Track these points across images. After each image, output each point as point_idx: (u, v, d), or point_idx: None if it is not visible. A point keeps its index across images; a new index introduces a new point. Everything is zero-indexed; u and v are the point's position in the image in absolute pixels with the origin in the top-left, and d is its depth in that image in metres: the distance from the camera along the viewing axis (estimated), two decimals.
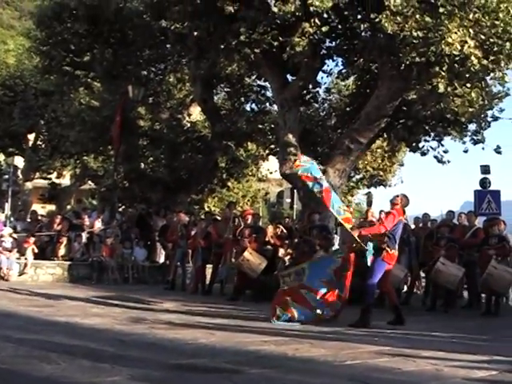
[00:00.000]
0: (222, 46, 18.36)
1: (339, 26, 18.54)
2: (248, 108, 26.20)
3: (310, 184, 12.64)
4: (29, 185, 38.35)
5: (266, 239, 17.99)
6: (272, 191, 41.53)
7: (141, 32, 22.66)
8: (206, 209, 30.58)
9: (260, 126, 25.42)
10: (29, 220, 24.00)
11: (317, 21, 17.13)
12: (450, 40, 14.69)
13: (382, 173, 33.07)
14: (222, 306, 15.09)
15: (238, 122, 25.14)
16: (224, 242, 18.38)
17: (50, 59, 24.34)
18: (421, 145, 22.78)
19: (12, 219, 25.63)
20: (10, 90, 33.14)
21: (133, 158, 27.01)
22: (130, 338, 9.55)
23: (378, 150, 30.71)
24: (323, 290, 12.45)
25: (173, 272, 19.72)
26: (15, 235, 20.36)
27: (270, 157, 28.59)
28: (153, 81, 26.92)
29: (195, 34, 18.44)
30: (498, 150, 20.74)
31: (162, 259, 22.89)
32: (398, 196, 12.91)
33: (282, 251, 17.72)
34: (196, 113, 28.43)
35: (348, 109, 22.77)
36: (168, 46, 22.67)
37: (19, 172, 37.34)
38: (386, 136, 22.43)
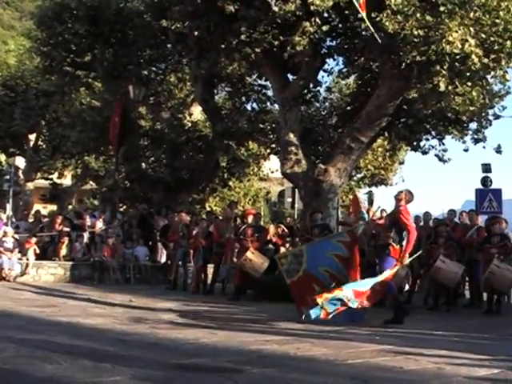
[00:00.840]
0: (223, 46, 18.36)
1: (340, 25, 18.56)
2: (249, 107, 26.22)
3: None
4: (30, 185, 38.34)
5: (268, 238, 17.99)
6: (273, 190, 41.49)
7: (141, 32, 22.65)
8: (208, 208, 30.55)
9: (261, 126, 25.41)
10: (31, 220, 24.01)
11: (317, 20, 17.15)
12: (450, 39, 14.69)
13: (383, 172, 33.11)
14: (224, 305, 15.09)
15: (239, 122, 25.13)
16: (225, 242, 18.36)
17: (50, 59, 24.34)
18: (422, 143, 22.80)
19: (14, 219, 25.60)
20: (11, 91, 33.15)
21: (134, 158, 27.01)
22: (132, 338, 9.55)
23: (379, 149, 30.74)
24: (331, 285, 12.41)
25: (174, 272, 19.72)
26: (17, 236, 20.36)
27: (272, 156, 28.58)
28: (154, 81, 26.94)
29: (196, 33, 18.44)
30: (498, 150, 20.75)
31: (163, 259, 22.89)
32: (402, 191, 12.89)
33: (283, 250, 17.70)
34: (197, 112, 28.42)
35: (349, 108, 22.77)
36: (169, 45, 22.66)
37: (20, 172, 37.21)
38: (386, 135, 22.42)
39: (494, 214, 19.36)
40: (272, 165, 29.99)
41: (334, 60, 20.93)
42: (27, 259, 19.73)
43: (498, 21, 15.04)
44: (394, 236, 12.30)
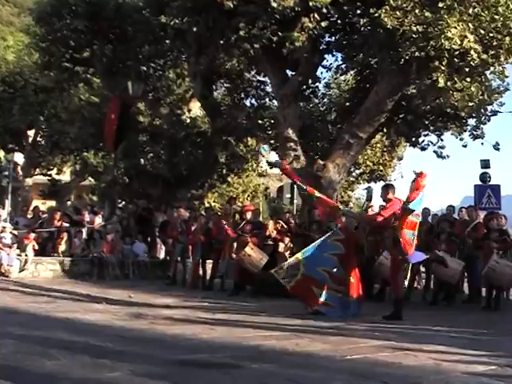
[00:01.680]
0: (222, 42, 18.35)
1: (339, 21, 18.56)
2: (248, 103, 26.18)
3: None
4: (29, 181, 38.34)
5: (267, 234, 17.99)
6: (272, 186, 41.54)
7: (140, 28, 22.63)
8: (207, 204, 30.56)
9: (260, 122, 25.39)
10: (30, 216, 24.01)
11: (316, 16, 17.15)
12: (449, 34, 14.68)
13: (381, 167, 33.13)
14: (223, 301, 15.10)
15: (237, 118, 25.09)
16: (224, 238, 18.36)
17: (49, 55, 24.33)
18: (420, 139, 22.81)
19: (13, 215, 25.59)
20: (10, 87, 33.11)
21: (133, 154, 27.03)
22: (131, 334, 9.56)
23: (378, 145, 30.77)
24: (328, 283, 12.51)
25: (173, 267, 19.74)
26: (15, 232, 20.36)
27: (271, 152, 28.58)
28: (152, 76, 26.90)
29: (195, 29, 18.41)
30: (496, 147, 20.75)
31: (162, 255, 22.90)
32: (385, 189, 13.14)
33: (282, 246, 17.69)
34: (196, 108, 28.40)
35: (348, 104, 22.78)
36: (167, 41, 22.61)
37: (19, 168, 37.31)
38: (385, 131, 22.44)
39: (492, 210, 19.38)
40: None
41: (333, 56, 20.95)
42: (26, 255, 19.73)
43: (496, 17, 15.04)
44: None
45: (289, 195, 33.61)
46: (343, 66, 21.25)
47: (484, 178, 22.70)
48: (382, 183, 33.10)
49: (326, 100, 26.23)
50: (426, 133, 22.41)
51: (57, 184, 38.62)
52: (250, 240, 16.96)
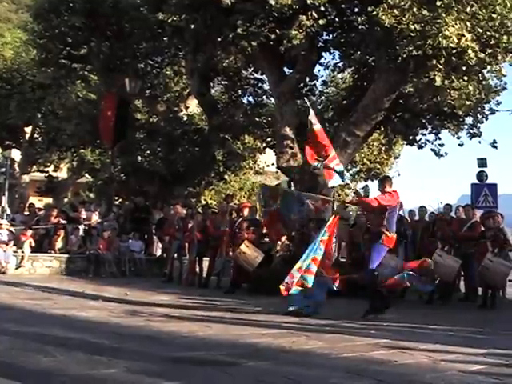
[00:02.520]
0: (219, 39, 18.35)
1: (336, 19, 18.54)
2: (245, 101, 26.18)
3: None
4: (26, 178, 38.30)
5: (264, 231, 18.00)
6: (269, 184, 41.50)
7: (138, 25, 22.63)
8: (203, 202, 30.56)
9: (257, 119, 25.40)
10: (26, 213, 23.99)
11: (314, 14, 17.14)
12: (447, 33, 14.68)
13: (378, 166, 33.11)
14: (219, 298, 15.10)
15: (235, 115, 25.10)
16: (220, 235, 18.35)
17: (46, 52, 24.32)
18: (418, 138, 22.80)
19: (9, 212, 25.56)
20: (7, 83, 33.02)
21: (130, 151, 27.03)
22: (127, 331, 9.57)
23: (375, 143, 30.75)
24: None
25: (170, 265, 19.75)
26: (12, 228, 20.35)
27: (267, 150, 28.57)
28: (150, 74, 26.90)
29: (192, 26, 18.40)
30: (494, 145, 20.75)
31: (158, 252, 22.91)
32: (382, 180, 13.10)
33: (279, 244, 17.70)
34: (193, 106, 28.40)
35: (345, 102, 22.77)
36: (165, 38, 22.58)
37: (16, 165, 37.28)
38: (382, 129, 22.42)
39: (489, 209, 19.38)
40: (268, 158, 29.95)
41: (331, 54, 20.91)
42: (23, 252, 19.71)
43: (494, 15, 15.04)
44: (386, 224, 12.27)
45: None
46: (340, 64, 21.24)
47: (481, 176, 22.69)
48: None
49: (323, 98, 26.24)
50: (423, 131, 22.41)
51: (54, 181, 38.56)
52: (246, 237, 16.96)
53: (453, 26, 14.74)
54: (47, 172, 38.52)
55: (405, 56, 15.65)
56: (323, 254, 12.33)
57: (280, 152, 19.58)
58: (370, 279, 12.42)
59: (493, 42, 15.32)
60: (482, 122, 20.88)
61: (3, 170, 31.93)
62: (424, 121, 21.57)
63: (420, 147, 23.11)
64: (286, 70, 20.66)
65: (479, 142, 21.13)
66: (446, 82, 16.22)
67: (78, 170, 37.92)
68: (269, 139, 26.26)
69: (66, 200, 38.34)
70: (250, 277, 16.86)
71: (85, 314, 11.29)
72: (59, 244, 20.89)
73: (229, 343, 8.91)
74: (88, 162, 34.19)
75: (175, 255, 19.81)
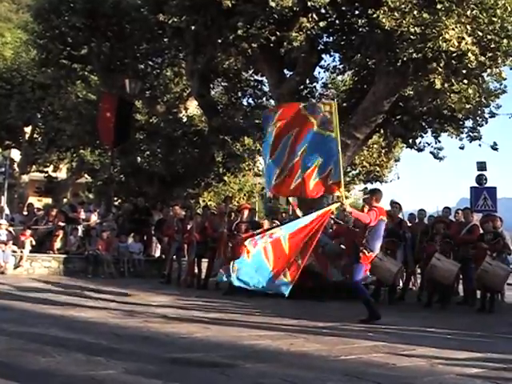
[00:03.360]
0: (220, 41, 18.39)
1: (337, 22, 18.60)
2: (245, 102, 26.26)
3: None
4: (25, 178, 38.34)
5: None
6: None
7: (138, 26, 22.66)
8: (202, 203, 30.54)
9: (257, 121, 25.39)
10: (26, 213, 23.97)
11: (314, 16, 17.18)
12: (447, 36, 14.72)
13: (378, 168, 33.11)
14: (218, 300, 15.10)
15: (234, 117, 25.14)
16: (219, 237, 18.34)
17: (47, 52, 24.35)
18: (417, 141, 22.84)
19: (8, 212, 25.52)
20: (7, 83, 33.05)
21: (129, 152, 27.02)
22: (125, 332, 9.56)
23: (375, 146, 30.77)
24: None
25: (169, 266, 19.74)
26: (11, 228, 20.34)
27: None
28: (150, 75, 26.94)
29: (193, 28, 18.43)
30: (494, 147, 20.78)
31: (157, 253, 22.91)
32: (371, 195, 12.90)
33: None
34: (193, 107, 28.42)
35: (345, 104, 22.76)
36: (165, 40, 22.65)
37: (15, 165, 37.27)
38: (382, 132, 22.46)
39: (488, 213, 19.40)
40: None
41: (331, 56, 20.97)
42: (21, 252, 19.69)
43: (494, 19, 15.08)
44: (365, 243, 12.16)
45: None
46: (341, 66, 21.29)
47: (480, 180, 22.71)
48: (378, 184, 33.23)
49: (323, 100, 26.25)
50: (422, 134, 22.44)
51: (53, 181, 38.58)
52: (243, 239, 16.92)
53: (453, 29, 14.78)
54: (47, 172, 38.54)
55: (405, 59, 15.70)
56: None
57: None
58: (356, 292, 12.34)
59: (493, 45, 15.36)
60: (482, 126, 20.94)
61: (3, 169, 31.82)
62: (424, 124, 21.63)
63: (419, 150, 23.16)
64: (286, 71, 20.72)
65: (479, 144, 21.17)
66: (446, 85, 16.28)
67: (78, 171, 38.00)
68: None
69: (65, 200, 38.32)
70: None
71: (83, 315, 11.28)
72: (58, 244, 20.86)
73: (227, 345, 8.90)
74: (87, 163, 34.23)
75: (174, 256, 19.79)
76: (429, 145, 23.01)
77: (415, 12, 15.27)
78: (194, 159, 26.69)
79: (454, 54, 15.15)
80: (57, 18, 22.87)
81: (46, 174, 38.41)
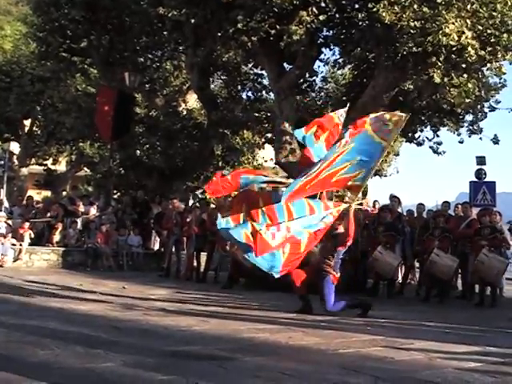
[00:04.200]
0: (219, 34, 18.36)
1: (337, 15, 18.54)
2: (244, 96, 26.25)
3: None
4: (24, 171, 38.31)
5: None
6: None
7: (138, 19, 22.60)
8: (200, 196, 30.54)
9: (256, 114, 25.42)
10: (25, 206, 23.96)
11: (314, 9, 17.14)
12: (447, 30, 14.71)
13: None
14: (216, 293, 15.11)
15: (234, 110, 25.13)
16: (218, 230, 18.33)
17: (46, 45, 24.32)
18: (417, 135, 22.84)
19: (7, 205, 25.52)
20: (7, 76, 33.00)
21: (128, 145, 27.01)
22: (124, 325, 9.56)
23: None
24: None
25: (167, 259, 19.74)
26: (10, 221, 20.34)
27: (266, 145, 28.59)
28: (149, 68, 26.91)
29: (192, 21, 18.39)
30: (495, 140, 20.78)
31: (156, 246, 22.92)
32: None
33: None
34: (192, 100, 28.38)
35: (344, 98, 22.76)
36: (165, 33, 22.59)
37: (15, 158, 37.27)
38: None
39: (486, 207, 19.39)
40: (266, 154, 29.94)
41: (331, 50, 20.92)
42: (20, 245, 19.69)
43: (494, 13, 15.07)
44: (333, 265, 11.87)
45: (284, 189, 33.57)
46: (340, 60, 21.25)
47: (479, 174, 22.71)
48: (377, 178, 33.22)
49: (322, 94, 26.26)
50: (422, 128, 22.44)
51: (52, 174, 38.56)
52: None
53: (453, 24, 14.77)
54: (46, 165, 38.52)
55: (405, 53, 15.69)
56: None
57: (279, 147, 19.60)
58: (340, 309, 12.01)
59: (493, 39, 15.35)
60: (482, 120, 20.95)
61: (2, 162, 31.89)
62: (423, 118, 21.64)
63: (419, 144, 23.17)
64: (285, 65, 20.68)
65: (480, 138, 21.18)
66: (446, 79, 16.27)
67: (77, 164, 38.04)
68: (268, 134, 26.29)
69: (64, 193, 38.32)
70: (248, 272, 16.85)
71: (82, 308, 11.27)
72: (57, 237, 20.87)
73: (226, 338, 8.90)
74: (87, 156, 34.25)
75: (173, 249, 19.79)
76: (428, 139, 23.03)
77: (415, 6, 15.25)
78: (194, 152, 26.68)
79: (454, 48, 15.13)
80: (56, 11, 22.84)
81: (46, 167, 38.38)
